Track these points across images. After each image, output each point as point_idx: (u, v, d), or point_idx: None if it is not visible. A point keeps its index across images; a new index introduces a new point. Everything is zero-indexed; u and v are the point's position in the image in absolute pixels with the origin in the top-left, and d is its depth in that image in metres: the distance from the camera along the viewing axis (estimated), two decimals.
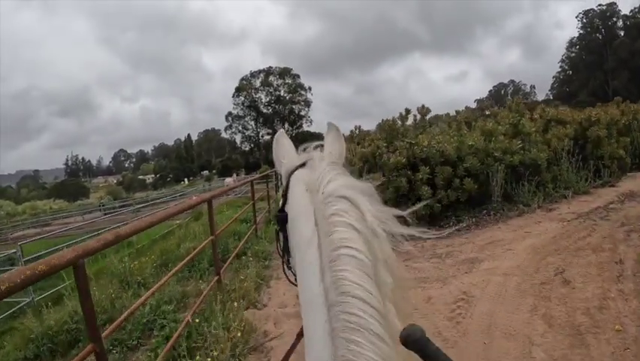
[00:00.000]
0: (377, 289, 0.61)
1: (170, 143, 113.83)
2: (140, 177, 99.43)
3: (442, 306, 4.02)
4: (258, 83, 72.78)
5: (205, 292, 4.26)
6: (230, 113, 72.87)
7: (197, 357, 3.24)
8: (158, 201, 31.50)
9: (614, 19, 65.20)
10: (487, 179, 7.57)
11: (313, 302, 0.64)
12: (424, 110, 8.26)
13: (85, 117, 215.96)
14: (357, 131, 11.66)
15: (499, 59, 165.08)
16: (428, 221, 7.01)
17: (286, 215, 0.87)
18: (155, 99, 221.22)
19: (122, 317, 2.73)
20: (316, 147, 0.99)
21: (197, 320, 3.74)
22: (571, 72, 70.75)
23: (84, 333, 4.34)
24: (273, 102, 71.71)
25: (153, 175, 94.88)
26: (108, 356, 2.74)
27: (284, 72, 72.38)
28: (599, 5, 65.64)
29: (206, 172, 75.79)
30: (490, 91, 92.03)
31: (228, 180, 34.13)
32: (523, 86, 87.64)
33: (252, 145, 73.17)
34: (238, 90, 72.26)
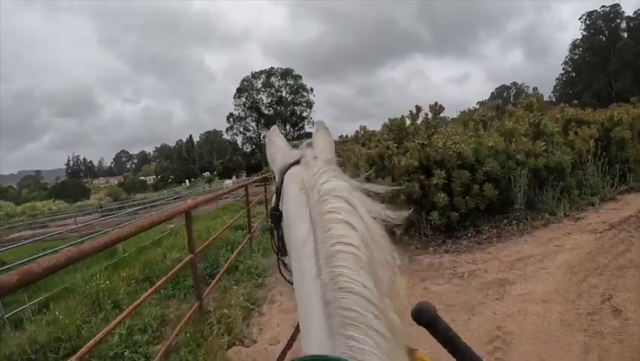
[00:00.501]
0: (374, 284, 0.60)
1: (172, 144, 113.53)
2: (142, 178, 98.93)
3: (475, 346, 3.24)
4: (259, 84, 72.09)
5: (183, 322, 3.51)
6: (231, 115, 72.23)
7: None
8: (157, 203, 30.85)
9: (618, 20, 64.61)
10: (509, 184, 6.78)
11: (310, 299, 0.62)
12: (437, 108, 7.46)
13: (87, 118, 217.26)
14: (362, 132, 10.89)
15: (501, 61, 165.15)
16: (443, 231, 6.23)
17: (281, 213, 0.84)
18: (157, 100, 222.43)
19: (81, 352, 2.21)
20: (308, 145, 0.94)
21: None
22: (574, 74, 70.06)
23: None
24: (275, 103, 70.93)
25: (154, 176, 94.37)
26: None
27: (286, 73, 71.66)
28: (603, 7, 65.09)
29: (207, 173, 75.19)
30: (492, 93, 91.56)
31: (227, 182, 33.57)
32: (525, 88, 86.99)
33: (254, 146, 72.28)
34: (239, 91, 71.61)
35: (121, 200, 49.33)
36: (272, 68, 72.76)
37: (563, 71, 72.79)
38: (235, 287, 4.81)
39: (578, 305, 3.89)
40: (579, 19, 68.11)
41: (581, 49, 69.24)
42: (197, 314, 3.97)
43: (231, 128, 73.07)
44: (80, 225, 20.33)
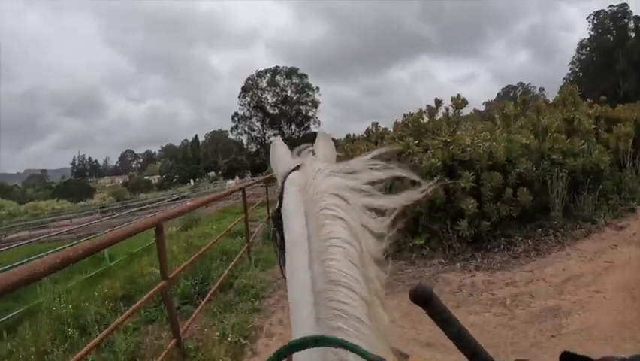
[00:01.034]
0: (364, 279, 0.61)
1: (178, 144, 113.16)
2: (147, 177, 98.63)
3: None
4: (264, 83, 71.09)
5: None
6: (236, 114, 71.29)
7: None
8: (159, 204, 30.18)
9: (626, 20, 63.18)
10: (543, 188, 5.92)
11: (301, 291, 0.63)
12: (459, 102, 6.60)
13: (93, 117, 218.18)
14: (373, 129, 10.01)
15: (507, 61, 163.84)
16: (470, 242, 5.38)
17: (281, 215, 0.84)
18: (163, 100, 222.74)
19: None
20: (310, 151, 0.97)
21: None
22: (581, 74, 68.56)
23: None
24: (280, 103, 69.89)
25: (159, 176, 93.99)
26: None
27: (291, 72, 70.68)
28: (611, 6, 63.75)
29: (212, 173, 74.57)
30: (498, 93, 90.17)
31: (230, 182, 33.01)
32: (532, 88, 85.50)
33: (258, 146, 71.31)
34: (244, 90, 70.70)
35: (124, 200, 48.78)
36: (277, 66, 71.76)
37: (570, 71, 71.40)
38: (225, 315, 3.97)
39: None
40: (587, 18, 66.74)
41: (588, 49, 68.04)
42: (175, 351, 3.16)
43: (236, 127, 72.14)
44: (76, 226, 19.63)
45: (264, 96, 70.53)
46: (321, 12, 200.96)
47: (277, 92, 70.23)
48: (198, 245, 6.44)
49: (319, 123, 68.77)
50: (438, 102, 6.78)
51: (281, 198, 0.85)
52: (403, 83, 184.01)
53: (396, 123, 9.79)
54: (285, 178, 0.86)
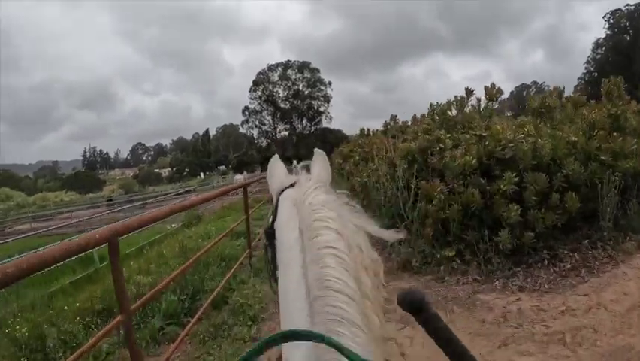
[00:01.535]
0: (357, 286, 0.62)
1: (189, 137, 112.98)
2: (157, 170, 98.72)
3: None
4: (275, 76, 70.13)
5: None
6: (246, 108, 70.47)
7: None
8: (165, 197, 29.75)
9: None
10: (591, 193, 5.09)
11: (296, 297, 0.62)
12: (493, 92, 5.78)
13: (105, 110, 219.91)
14: (391, 123, 9.20)
15: (521, 60, 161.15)
16: (508, 255, 4.57)
17: (274, 231, 0.85)
18: (175, 93, 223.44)
19: None
20: (304, 169, 0.98)
21: None
22: (596, 74, 66.68)
23: None
24: (291, 97, 68.93)
25: (169, 169, 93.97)
26: None
27: (303, 66, 69.67)
28: (627, 5, 61.81)
29: (222, 167, 74.19)
30: (511, 92, 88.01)
31: (238, 176, 32.36)
32: (546, 87, 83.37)
33: (269, 141, 70.57)
34: (255, 84, 69.89)
35: (133, 192, 48.57)
36: (289, 60, 70.74)
37: (585, 71, 69.50)
38: (216, 341, 3.24)
39: None
40: (603, 17, 64.60)
41: (604, 48, 66.14)
42: None
43: (247, 121, 71.32)
44: (76, 220, 19.17)
45: (275, 90, 69.63)
46: (335, 8, 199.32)
47: (289, 86, 69.28)
48: (193, 248, 5.73)
49: (331, 119, 67.66)
50: (469, 92, 5.94)
51: (275, 213, 0.86)
52: (416, 80, 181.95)
53: (414, 117, 9.01)
54: (279, 194, 0.88)
